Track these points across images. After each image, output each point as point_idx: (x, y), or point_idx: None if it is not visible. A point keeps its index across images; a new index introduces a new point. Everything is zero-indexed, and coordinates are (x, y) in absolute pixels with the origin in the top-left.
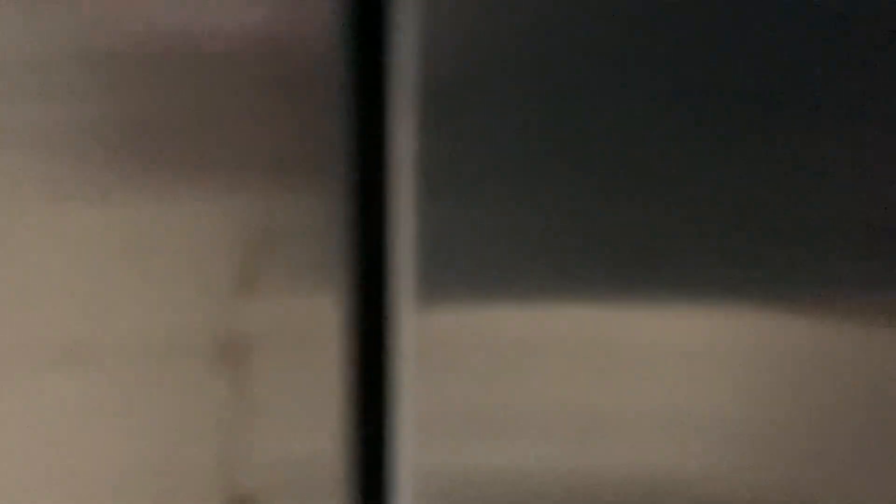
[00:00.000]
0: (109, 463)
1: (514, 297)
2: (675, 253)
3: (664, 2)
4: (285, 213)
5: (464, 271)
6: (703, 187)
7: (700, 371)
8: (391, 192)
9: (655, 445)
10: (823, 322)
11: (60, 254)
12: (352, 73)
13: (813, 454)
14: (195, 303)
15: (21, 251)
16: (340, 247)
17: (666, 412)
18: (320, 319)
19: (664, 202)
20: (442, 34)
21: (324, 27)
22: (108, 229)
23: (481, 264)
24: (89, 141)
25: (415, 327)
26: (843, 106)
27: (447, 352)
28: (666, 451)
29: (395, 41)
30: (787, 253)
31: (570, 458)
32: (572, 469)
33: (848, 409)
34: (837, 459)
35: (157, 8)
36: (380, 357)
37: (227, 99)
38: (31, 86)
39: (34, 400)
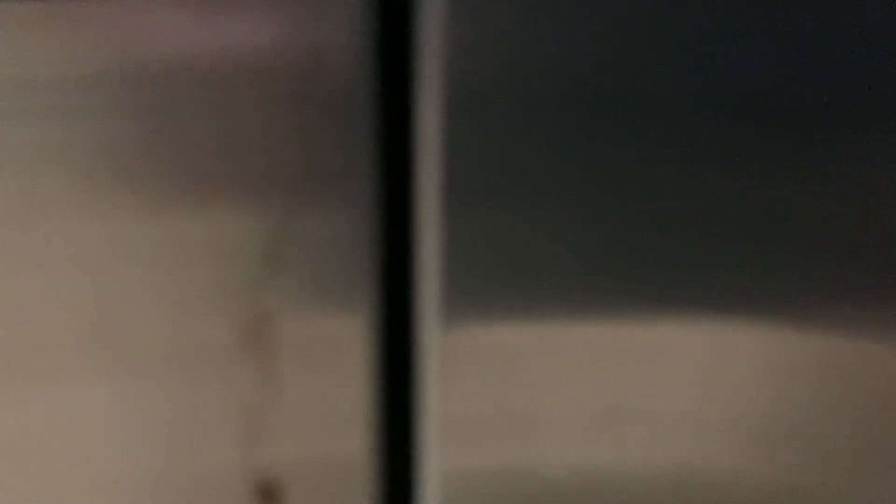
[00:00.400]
0: (136, 458)
1: (539, 310)
2: (695, 266)
3: (690, 17)
4: (310, 227)
5: (489, 285)
6: (725, 201)
7: (714, 376)
8: (417, 207)
9: (673, 445)
10: (830, 332)
11: (84, 266)
12: (377, 85)
13: (824, 455)
14: (219, 311)
15: (49, 261)
16: (366, 258)
17: (682, 414)
18: (346, 329)
19: (688, 216)
20: (468, 46)
21: (348, 40)
22: (132, 242)
23: (507, 278)
24: (118, 157)
25: (440, 339)
26: (851, 119)
27: (472, 360)
28: (684, 450)
29: (420, 53)
30: (797, 265)
31: (589, 458)
32: (591, 469)
33: (857, 415)
34: (848, 461)
35: (179, 25)
36: (407, 362)
37: (251, 113)
38: (59, 104)
39: (59, 401)
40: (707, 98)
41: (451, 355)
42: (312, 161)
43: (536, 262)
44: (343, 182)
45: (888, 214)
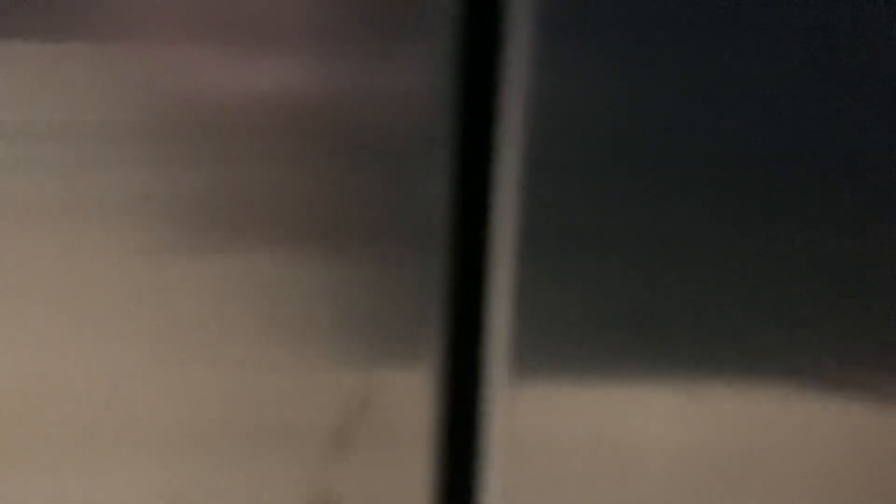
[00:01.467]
0: None
1: (612, 374)
2: (779, 329)
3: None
4: (380, 278)
5: (561, 347)
6: (817, 260)
7: (805, 451)
8: (490, 262)
9: None
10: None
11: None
12: (456, 137)
13: None
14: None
15: (110, 344)
16: (435, 312)
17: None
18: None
19: (774, 277)
20: (552, 104)
21: (430, 91)
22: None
23: (579, 339)
24: (172, 212)
25: (508, 398)
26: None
27: (541, 421)
28: None
29: (503, 109)
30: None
31: None
32: None
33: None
34: None
35: (249, 71)
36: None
37: (324, 166)
38: (133, 153)
39: (92, 482)
40: (789, 158)
41: (519, 415)
42: (381, 215)
43: (611, 320)
44: (414, 238)
45: None
